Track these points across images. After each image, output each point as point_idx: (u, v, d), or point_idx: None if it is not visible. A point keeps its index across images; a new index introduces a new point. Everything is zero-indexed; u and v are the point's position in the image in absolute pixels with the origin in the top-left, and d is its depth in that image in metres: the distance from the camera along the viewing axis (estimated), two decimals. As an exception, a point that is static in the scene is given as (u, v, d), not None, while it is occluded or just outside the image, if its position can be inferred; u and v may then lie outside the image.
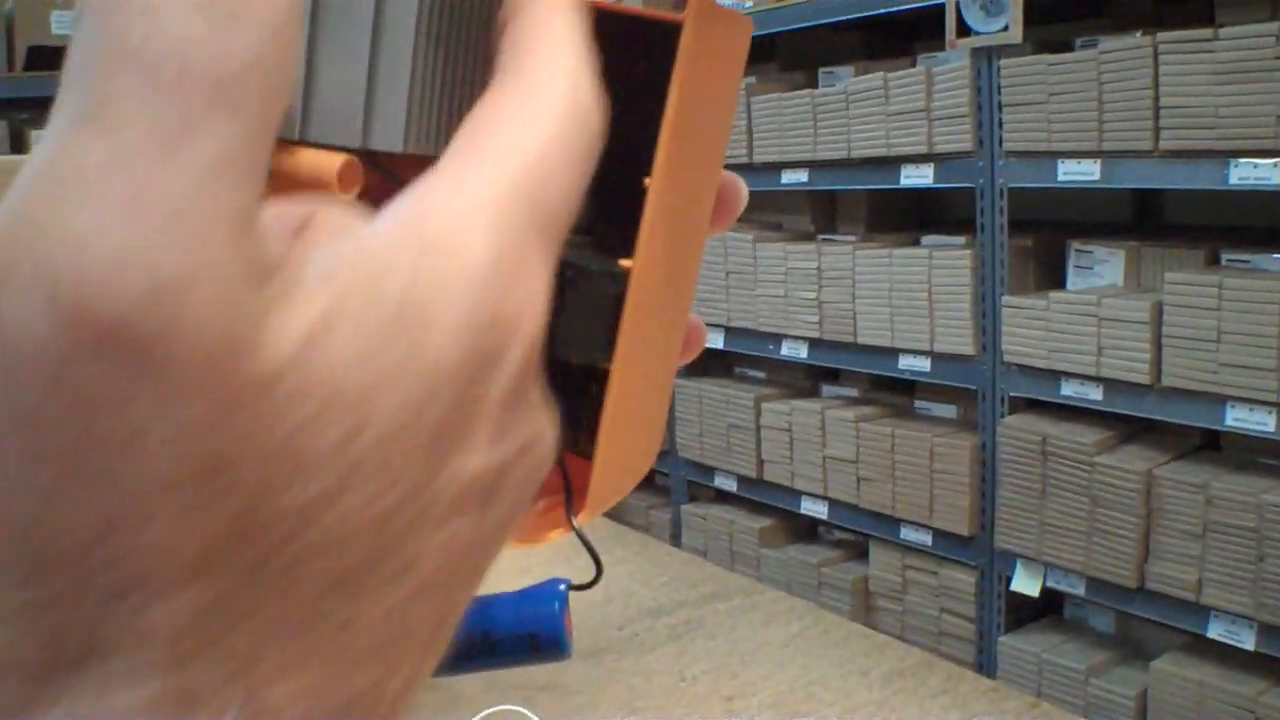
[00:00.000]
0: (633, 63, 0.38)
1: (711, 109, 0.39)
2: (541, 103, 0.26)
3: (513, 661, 0.41)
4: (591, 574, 0.37)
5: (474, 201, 0.24)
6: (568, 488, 0.38)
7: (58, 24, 4.87)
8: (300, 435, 0.20)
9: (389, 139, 0.33)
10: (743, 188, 0.41)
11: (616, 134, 0.34)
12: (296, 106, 0.33)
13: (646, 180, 0.35)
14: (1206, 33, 2.73)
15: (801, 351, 3.92)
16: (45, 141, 0.20)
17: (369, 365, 0.21)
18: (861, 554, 3.93)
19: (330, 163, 0.32)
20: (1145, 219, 3.74)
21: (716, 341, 4.28)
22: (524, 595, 0.36)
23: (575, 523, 0.38)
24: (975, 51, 3.23)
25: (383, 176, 0.34)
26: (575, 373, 0.36)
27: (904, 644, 1.79)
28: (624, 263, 0.35)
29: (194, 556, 0.19)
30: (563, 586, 0.36)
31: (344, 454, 0.21)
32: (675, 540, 4.51)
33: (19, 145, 4.95)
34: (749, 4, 4.00)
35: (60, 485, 0.19)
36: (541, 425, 0.26)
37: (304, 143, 0.33)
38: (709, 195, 0.40)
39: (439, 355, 0.22)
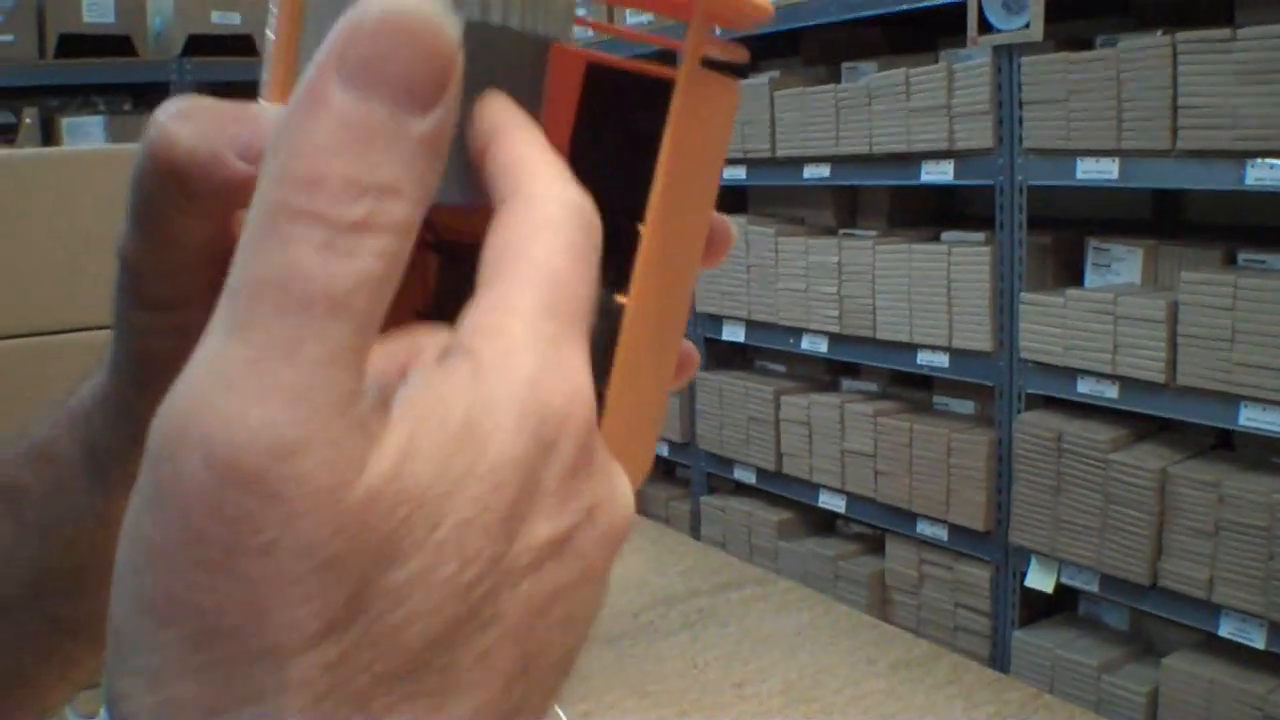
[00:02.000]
0: (632, 113, 0.42)
1: (702, 159, 0.42)
2: (552, 220, 0.32)
3: None
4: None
5: (516, 321, 0.30)
6: None
7: (89, 12, 4.91)
8: (396, 533, 0.27)
9: None
10: (732, 229, 0.45)
11: (615, 178, 0.39)
12: None
13: (641, 226, 0.39)
14: (1225, 33, 2.74)
15: (821, 346, 3.95)
16: (204, 346, 0.26)
17: (445, 473, 0.27)
18: (878, 548, 3.95)
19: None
20: (1164, 217, 3.75)
21: (737, 335, 4.31)
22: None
23: None
24: (997, 49, 3.25)
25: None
26: None
27: (912, 635, 1.82)
28: (620, 298, 0.40)
29: (320, 627, 0.26)
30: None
31: (431, 542, 0.27)
32: (695, 531, 4.55)
33: (50, 130, 4.99)
34: (773, -1, 4.02)
35: (218, 580, 0.25)
36: (610, 486, 0.32)
37: None
38: (700, 236, 0.44)
39: (499, 456, 0.28)
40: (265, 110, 0.39)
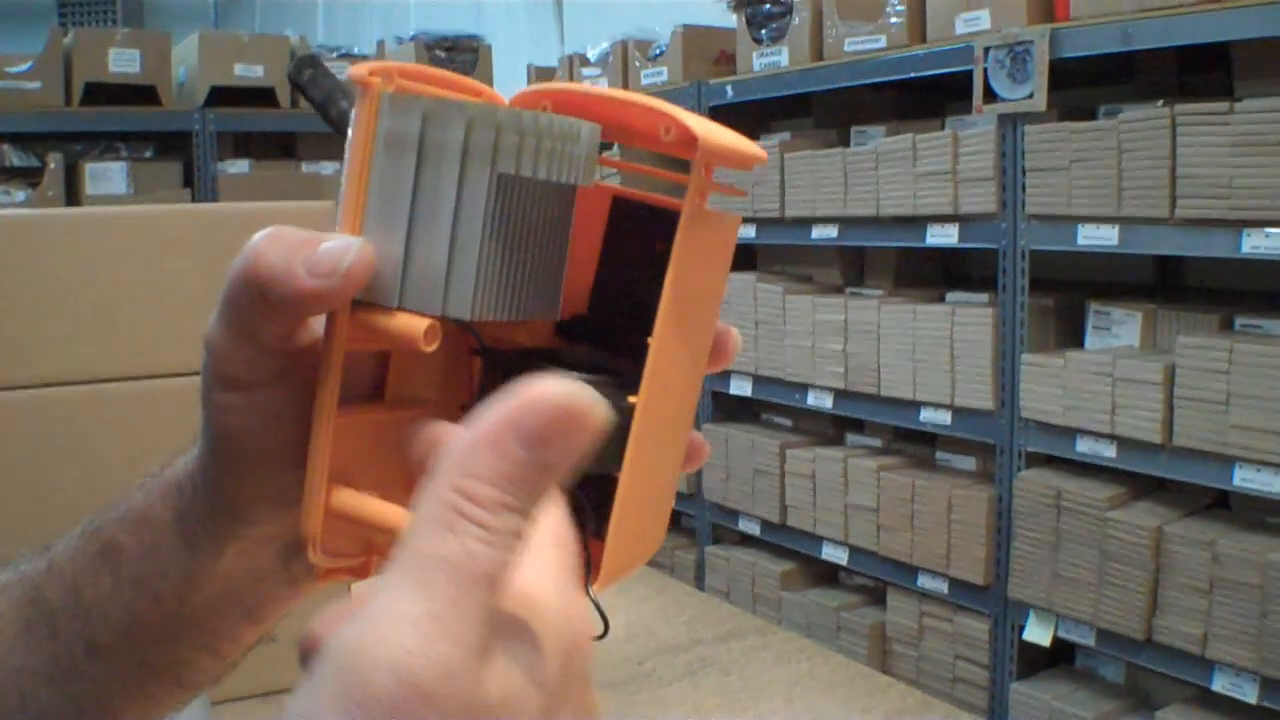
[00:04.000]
0: (649, 238, 0.52)
1: (705, 281, 0.51)
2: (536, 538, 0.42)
3: None
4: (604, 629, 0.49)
5: (548, 586, 0.41)
6: (588, 564, 0.50)
7: (115, 61, 5.00)
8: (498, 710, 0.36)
9: (460, 309, 0.48)
10: (736, 338, 0.54)
11: (634, 294, 0.49)
12: (396, 281, 0.48)
13: (649, 339, 0.48)
14: (1223, 105, 2.82)
15: (826, 401, 4.02)
16: (389, 595, 0.36)
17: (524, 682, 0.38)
18: (880, 600, 4.00)
19: (419, 325, 0.47)
20: (1165, 281, 3.82)
21: (744, 389, 4.37)
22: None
23: (591, 590, 0.49)
24: (1001, 117, 3.33)
25: (462, 330, 0.50)
26: (596, 480, 0.49)
27: (905, 685, 1.89)
28: (632, 399, 0.48)
29: None
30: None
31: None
32: (699, 581, 4.60)
33: (73, 175, 5.08)
34: (784, 63, 4.11)
35: None
36: (593, 704, 0.42)
37: (401, 309, 0.48)
38: (704, 345, 0.52)
39: (547, 674, 0.39)
40: (332, 238, 0.48)
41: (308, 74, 0.55)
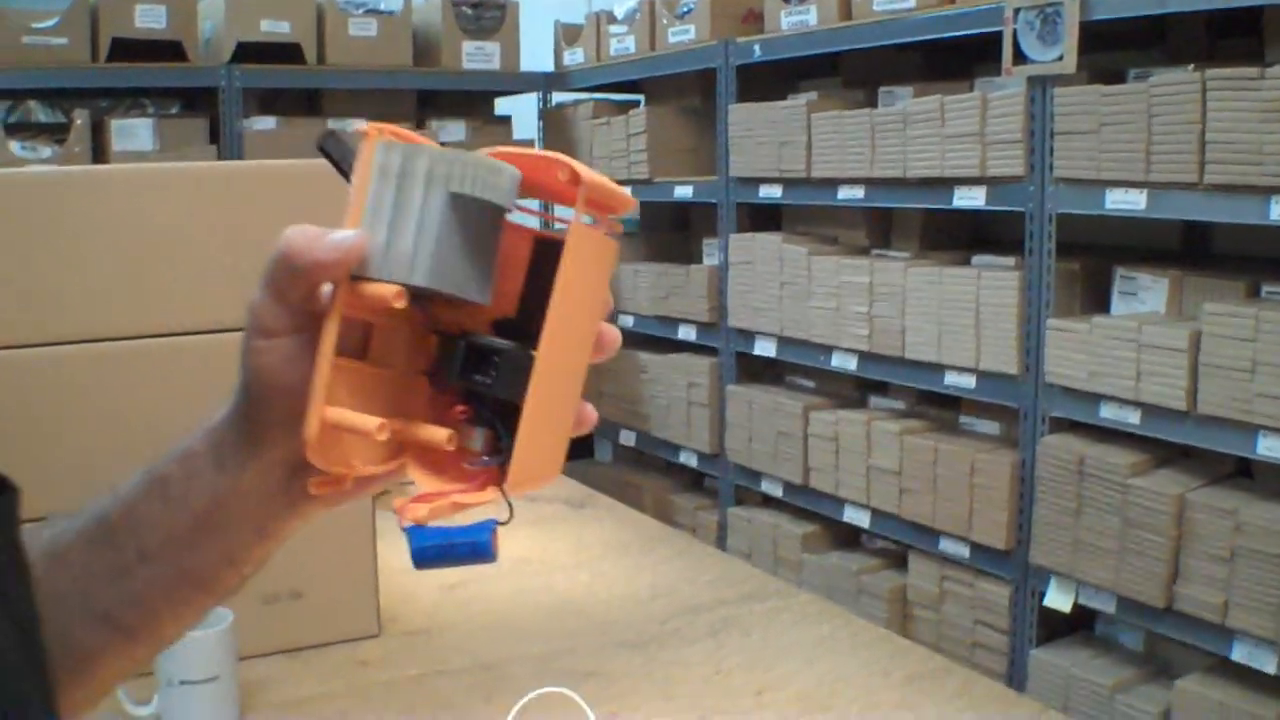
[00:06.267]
0: (553, 262, 0.71)
1: (589, 277, 0.73)
2: None
3: (457, 562, 0.72)
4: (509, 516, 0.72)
5: None
6: (503, 472, 0.70)
7: (141, 17, 4.99)
8: None
9: (421, 278, 0.69)
10: (616, 336, 0.77)
11: (545, 304, 0.70)
12: (381, 260, 0.69)
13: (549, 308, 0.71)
14: (1253, 71, 2.80)
15: (850, 364, 4.02)
16: None
17: None
18: (901, 563, 4.02)
19: (392, 289, 0.68)
20: (1192, 248, 3.81)
21: (769, 350, 4.38)
22: (471, 526, 0.65)
23: (505, 489, 0.71)
24: (1031, 79, 3.32)
25: (424, 314, 0.75)
26: (507, 410, 0.71)
27: (926, 649, 1.89)
28: (534, 352, 0.70)
29: None
30: (493, 523, 0.66)
31: None
32: (721, 542, 4.62)
33: (99, 131, 5.08)
34: (813, 22, 4.10)
35: None
36: None
37: (381, 280, 0.68)
38: (590, 331, 0.75)
39: None
40: (340, 231, 0.69)
41: (330, 141, 0.77)
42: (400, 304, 0.68)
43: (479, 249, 0.71)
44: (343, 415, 0.68)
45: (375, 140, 0.71)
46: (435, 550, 0.71)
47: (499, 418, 0.72)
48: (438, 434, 0.72)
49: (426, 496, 0.71)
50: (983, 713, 1.62)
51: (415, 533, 0.71)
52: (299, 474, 0.73)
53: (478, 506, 0.71)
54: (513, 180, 0.71)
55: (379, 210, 0.70)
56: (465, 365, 0.72)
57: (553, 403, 0.73)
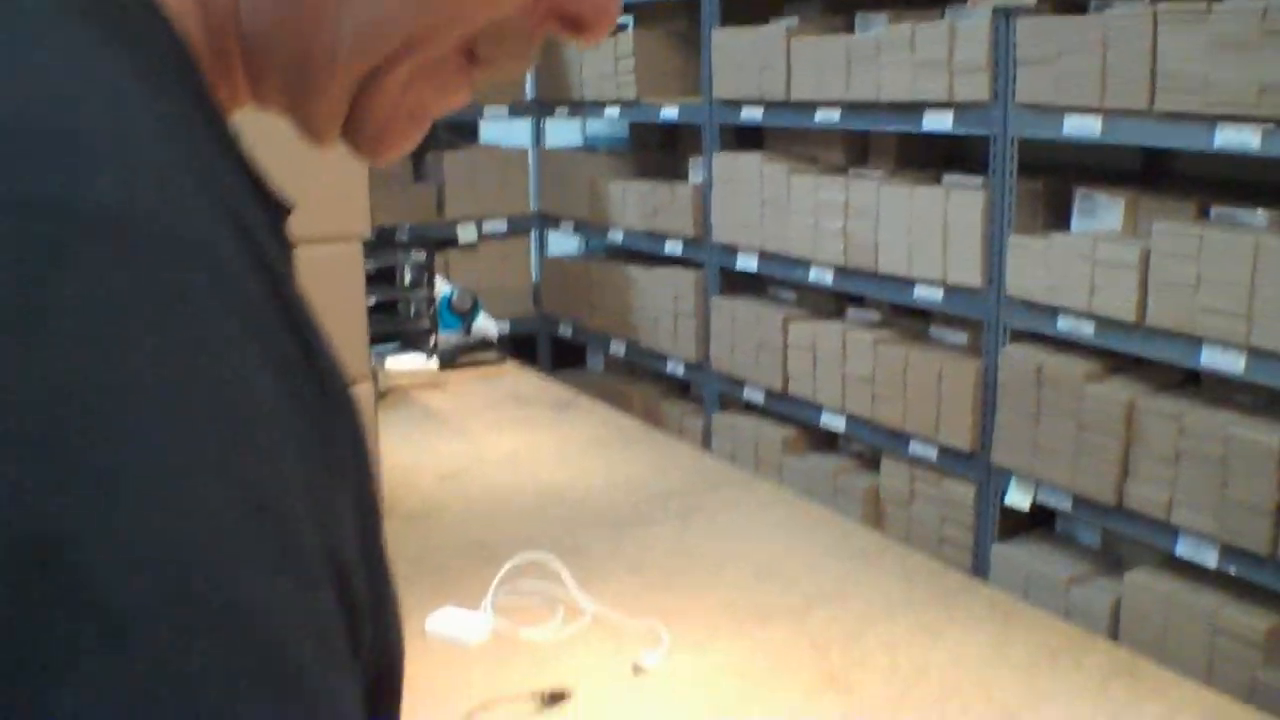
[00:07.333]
0: None
1: None
2: None
3: None
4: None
5: None
6: None
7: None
8: None
9: None
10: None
11: None
12: None
13: None
14: (1202, 6, 2.96)
15: (827, 277, 4.21)
16: None
17: None
18: (874, 465, 4.23)
19: None
20: (1151, 171, 3.98)
21: (750, 264, 4.57)
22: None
23: None
24: (996, 9, 3.47)
25: None
26: None
27: (865, 530, 2.11)
28: None
29: None
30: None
31: None
32: (706, 445, 4.83)
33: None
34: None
35: None
36: None
37: None
38: None
39: None
40: None
41: None
42: None
43: None
44: None
45: None
46: None
47: None
48: None
49: None
50: (913, 583, 1.84)
51: None
52: None
53: None
54: None
55: None
56: None
57: None
